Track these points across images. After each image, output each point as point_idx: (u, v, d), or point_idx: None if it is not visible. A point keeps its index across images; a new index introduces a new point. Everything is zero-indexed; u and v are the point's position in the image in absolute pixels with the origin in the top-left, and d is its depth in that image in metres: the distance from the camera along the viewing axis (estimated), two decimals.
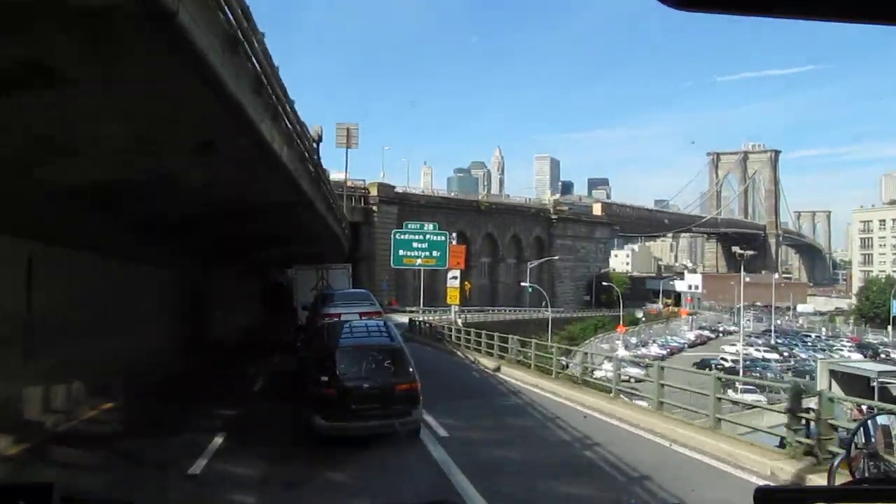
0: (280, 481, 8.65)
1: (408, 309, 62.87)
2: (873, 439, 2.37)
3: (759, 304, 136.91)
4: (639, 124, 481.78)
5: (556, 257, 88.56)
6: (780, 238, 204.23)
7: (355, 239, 53.85)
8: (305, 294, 25.99)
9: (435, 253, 44.80)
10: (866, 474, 2.30)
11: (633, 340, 64.56)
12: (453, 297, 44.72)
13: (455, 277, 45.00)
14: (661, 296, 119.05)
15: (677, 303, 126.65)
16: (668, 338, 71.29)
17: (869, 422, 2.44)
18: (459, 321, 46.19)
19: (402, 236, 44.84)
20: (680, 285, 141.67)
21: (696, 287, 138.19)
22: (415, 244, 44.64)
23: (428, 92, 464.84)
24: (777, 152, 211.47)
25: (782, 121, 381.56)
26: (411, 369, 10.69)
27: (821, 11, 1.11)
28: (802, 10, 1.13)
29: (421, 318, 42.91)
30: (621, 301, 66.42)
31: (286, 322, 28.95)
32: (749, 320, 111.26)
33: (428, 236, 44.94)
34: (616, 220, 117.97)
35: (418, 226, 45.83)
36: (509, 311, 69.67)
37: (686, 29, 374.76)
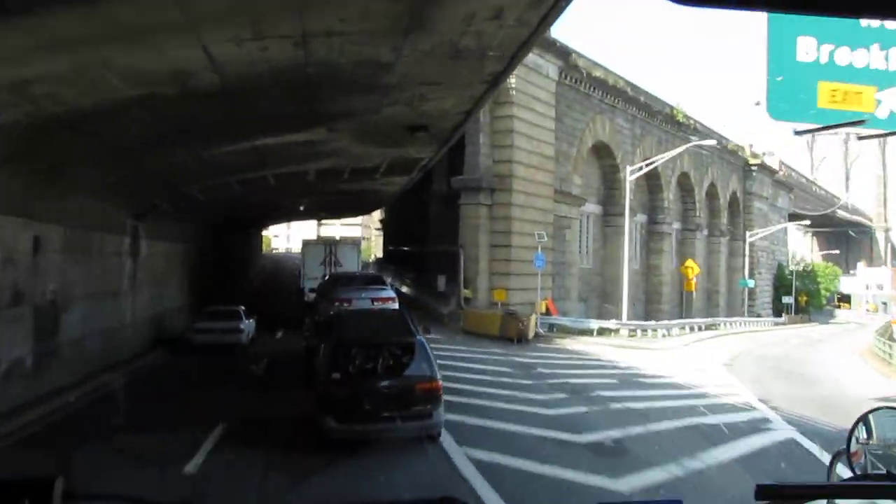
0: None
1: (599, 326, 25.74)
2: (873, 435, 2.25)
3: None
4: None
5: (760, 232, 51.88)
6: (889, 232, 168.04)
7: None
8: (313, 269, 25.60)
9: None
10: (868, 470, 2.21)
11: None
12: None
13: None
14: (863, 299, 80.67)
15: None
16: None
17: (869, 417, 2.32)
18: None
19: None
20: (847, 284, 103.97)
21: (881, 287, 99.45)
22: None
23: None
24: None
25: None
26: (433, 366, 9.45)
27: (821, 6, 1.08)
28: (802, 6, 1.09)
29: None
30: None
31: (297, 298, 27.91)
32: None
33: None
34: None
35: None
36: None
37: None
